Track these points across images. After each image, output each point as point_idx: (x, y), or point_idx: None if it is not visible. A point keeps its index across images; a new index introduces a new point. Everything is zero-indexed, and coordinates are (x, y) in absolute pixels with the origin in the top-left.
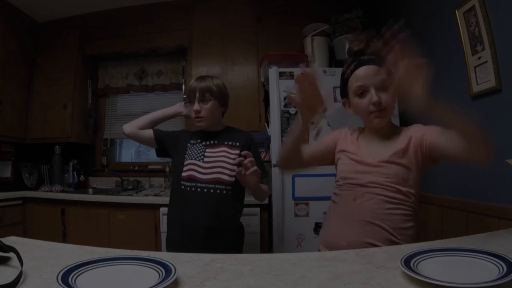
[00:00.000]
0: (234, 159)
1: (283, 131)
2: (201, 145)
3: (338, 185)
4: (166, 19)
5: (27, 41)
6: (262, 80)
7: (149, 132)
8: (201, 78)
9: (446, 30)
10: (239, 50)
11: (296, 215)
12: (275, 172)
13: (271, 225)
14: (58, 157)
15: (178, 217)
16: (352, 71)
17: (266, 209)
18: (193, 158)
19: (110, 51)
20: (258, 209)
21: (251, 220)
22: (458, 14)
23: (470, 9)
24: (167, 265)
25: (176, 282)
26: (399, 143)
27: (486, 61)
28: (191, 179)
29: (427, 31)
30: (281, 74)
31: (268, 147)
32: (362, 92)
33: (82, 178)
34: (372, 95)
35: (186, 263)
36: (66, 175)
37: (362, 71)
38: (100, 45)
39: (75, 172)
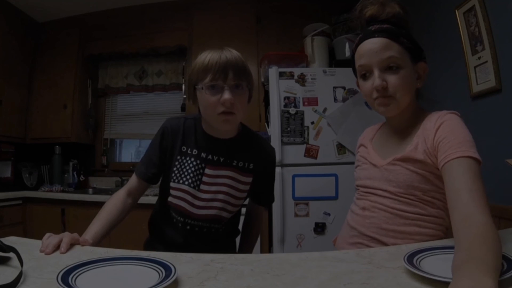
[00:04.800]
0: (243, 190)
1: (283, 131)
2: (198, 160)
3: (356, 191)
4: (166, 19)
5: (27, 41)
6: (262, 80)
7: (139, 185)
8: (224, 50)
9: (446, 30)
10: (239, 50)
11: (296, 215)
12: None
13: (271, 225)
14: (58, 157)
15: (162, 239)
16: (356, 46)
17: (266, 209)
18: (184, 181)
19: (110, 51)
20: None
21: None
22: (458, 14)
23: (470, 9)
24: (167, 265)
25: (176, 282)
26: (415, 141)
27: (486, 61)
28: (178, 210)
29: (427, 31)
30: (281, 74)
31: None
32: (364, 73)
33: (82, 178)
34: (375, 78)
35: (186, 263)
36: (66, 175)
37: (364, 46)
38: (100, 45)
39: (75, 172)
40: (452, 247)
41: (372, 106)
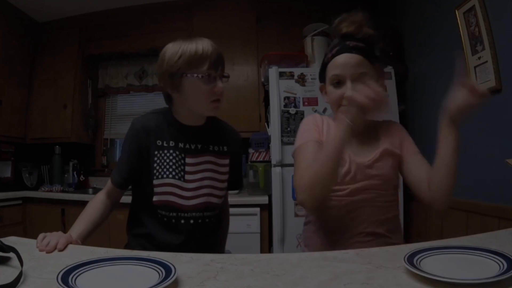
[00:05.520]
0: (224, 173)
1: (283, 131)
2: (177, 151)
3: None
4: (166, 19)
5: (27, 41)
6: (262, 80)
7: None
8: (209, 40)
9: (446, 30)
10: (239, 50)
11: (296, 215)
12: (275, 172)
13: (271, 225)
14: (58, 157)
15: (149, 242)
16: (333, 56)
17: (266, 209)
18: (168, 175)
19: (110, 51)
20: (258, 209)
21: (251, 220)
22: (458, 14)
23: (470, 9)
24: (167, 265)
25: (176, 282)
26: (384, 140)
27: (486, 61)
28: (168, 206)
29: (427, 31)
30: (281, 74)
31: (268, 147)
32: (338, 81)
33: (82, 178)
34: (347, 88)
35: (186, 263)
36: (66, 175)
37: (342, 58)
38: (100, 45)
39: (75, 172)
40: (452, 247)
41: (334, 111)
